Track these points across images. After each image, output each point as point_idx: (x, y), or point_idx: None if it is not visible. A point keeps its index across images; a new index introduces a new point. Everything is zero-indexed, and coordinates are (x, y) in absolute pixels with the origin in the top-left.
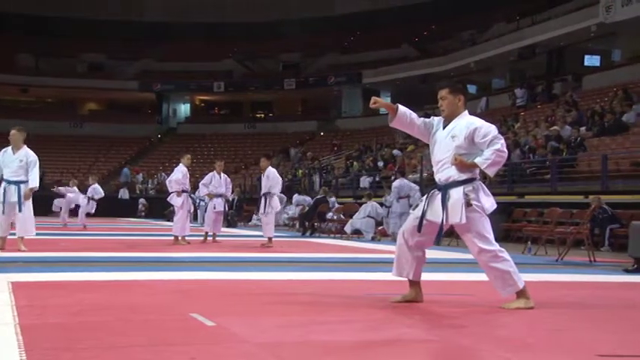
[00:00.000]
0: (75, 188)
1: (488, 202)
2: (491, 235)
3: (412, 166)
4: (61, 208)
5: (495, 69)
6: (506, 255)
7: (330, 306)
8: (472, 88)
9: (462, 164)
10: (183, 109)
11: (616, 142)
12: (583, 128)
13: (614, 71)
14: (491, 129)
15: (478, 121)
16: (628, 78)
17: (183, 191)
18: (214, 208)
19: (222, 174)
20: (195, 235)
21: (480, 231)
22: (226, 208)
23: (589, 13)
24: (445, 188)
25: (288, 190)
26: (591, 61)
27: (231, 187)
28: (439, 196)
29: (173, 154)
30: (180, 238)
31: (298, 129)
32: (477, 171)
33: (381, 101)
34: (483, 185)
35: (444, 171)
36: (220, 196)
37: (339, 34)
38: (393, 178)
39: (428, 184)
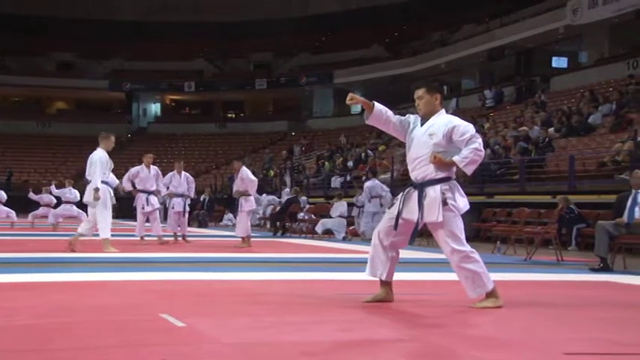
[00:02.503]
0: (70, 188)
1: (463, 203)
2: (463, 236)
3: (383, 167)
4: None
5: (465, 70)
6: (477, 256)
7: (301, 306)
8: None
9: (440, 162)
10: (154, 108)
11: (583, 143)
12: (551, 129)
13: (581, 73)
14: (469, 127)
15: (456, 120)
16: (594, 79)
17: (142, 191)
18: (173, 208)
19: (182, 173)
20: (166, 235)
21: (454, 230)
22: (186, 208)
23: (556, 16)
24: (422, 186)
25: (259, 190)
26: (559, 62)
27: (193, 186)
28: (415, 194)
29: (143, 153)
30: (140, 238)
31: (269, 129)
32: (454, 170)
33: (358, 97)
34: (458, 185)
35: (421, 169)
36: (181, 196)
37: (311, 35)
38: (364, 178)
39: (399, 185)
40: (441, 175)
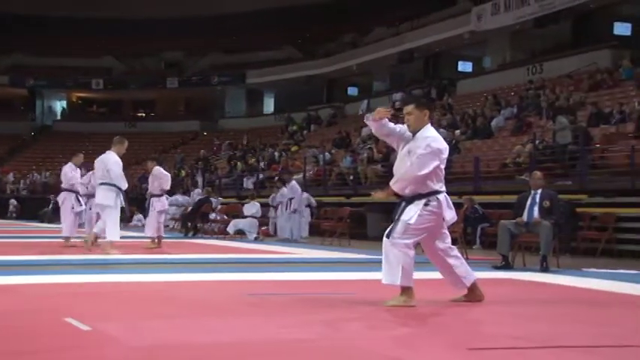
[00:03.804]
0: None
1: (450, 215)
2: (415, 236)
3: (296, 167)
4: None
5: (376, 72)
6: (408, 252)
7: (211, 307)
8: (353, 90)
9: (385, 195)
10: (59, 106)
11: (487, 145)
12: (457, 131)
13: (485, 77)
14: (428, 145)
15: (431, 136)
16: (497, 84)
17: (70, 191)
18: (90, 208)
19: None
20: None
21: (412, 223)
22: None
23: (463, 21)
24: (410, 200)
25: (169, 191)
26: (464, 66)
27: None
28: (402, 204)
29: (48, 152)
30: (65, 239)
31: (181, 129)
32: (441, 185)
33: (384, 110)
34: (448, 198)
35: (400, 184)
36: None
37: (223, 34)
38: (276, 178)
39: (311, 185)
40: (427, 190)
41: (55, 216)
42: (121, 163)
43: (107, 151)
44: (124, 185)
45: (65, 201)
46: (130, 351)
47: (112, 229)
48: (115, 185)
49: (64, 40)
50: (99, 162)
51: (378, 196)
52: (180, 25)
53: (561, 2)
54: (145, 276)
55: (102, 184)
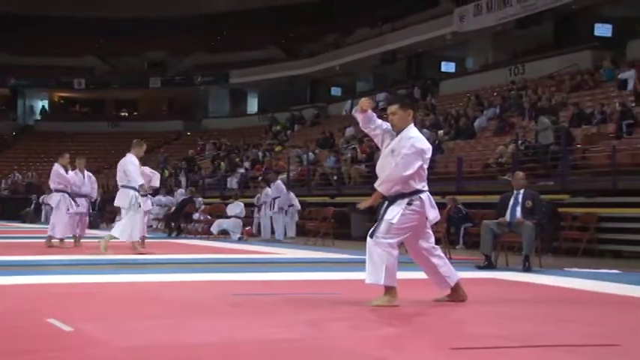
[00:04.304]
0: None
1: (433, 214)
2: (398, 236)
3: (280, 167)
4: None
5: (360, 72)
6: (392, 251)
7: (196, 307)
8: (337, 91)
9: (371, 203)
10: (41, 105)
11: (470, 145)
12: (441, 131)
13: (468, 78)
14: (412, 145)
15: (414, 136)
16: (480, 84)
17: (60, 191)
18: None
19: (85, 172)
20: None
21: (394, 223)
22: (90, 209)
23: (445, 22)
24: (393, 200)
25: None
26: (447, 67)
27: (96, 186)
28: (385, 204)
29: (30, 152)
30: (59, 240)
31: (164, 128)
32: (424, 184)
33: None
34: (431, 198)
35: (384, 185)
36: (84, 196)
37: (206, 34)
38: (260, 178)
39: (295, 185)
40: (409, 189)
41: (36, 216)
42: (137, 163)
43: (127, 154)
44: (140, 181)
45: (60, 202)
46: (116, 351)
47: (123, 228)
48: (133, 187)
49: (46, 39)
50: (119, 164)
51: (364, 205)
52: (163, 24)
53: (543, 3)
54: (128, 276)
55: (121, 186)
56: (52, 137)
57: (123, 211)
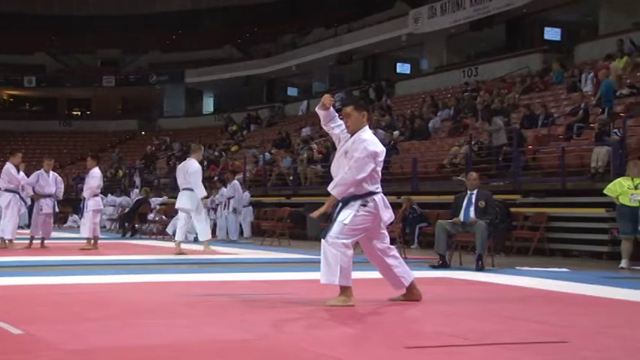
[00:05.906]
0: None
1: (387, 215)
2: (353, 236)
3: (236, 167)
4: None
5: (316, 73)
6: (346, 251)
7: (149, 309)
8: (293, 91)
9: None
10: None
11: (424, 146)
12: (396, 132)
13: (423, 79)
14: (364, 147)
15: (367, 139)
16: (434, 86)
17: (10, 191)
18: (41, 210)
19: (51, 172)
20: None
21: (348, 223)
22: (57, 209)
23: (400, 24)
24: (346, 201)
25: (105, 191)
26: (403, 68)
27: (62, 186)
28: (339, 205)
29: None
30: (8, 241)
31: (118, 128)
32: (377, 186)
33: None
34: (385, 199)
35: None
36: (49, 196)
37: (161, 32)
38: (216, 178)
39: (251, 185)
40: (362, 191)
41: None
42: (201, 171)
43: (188, 158)
44: (203, 193)
45: (11, 202)
46: (66, 354)
47: (202, 229)
48: (194, 190)
49: None
50: (180, 168)
51: (318, 213)
52: (117, 22)
53: (495, 7)
54: (79, 278)
55: (183, 189)
56: (2, 136)
57: (181, 214)
